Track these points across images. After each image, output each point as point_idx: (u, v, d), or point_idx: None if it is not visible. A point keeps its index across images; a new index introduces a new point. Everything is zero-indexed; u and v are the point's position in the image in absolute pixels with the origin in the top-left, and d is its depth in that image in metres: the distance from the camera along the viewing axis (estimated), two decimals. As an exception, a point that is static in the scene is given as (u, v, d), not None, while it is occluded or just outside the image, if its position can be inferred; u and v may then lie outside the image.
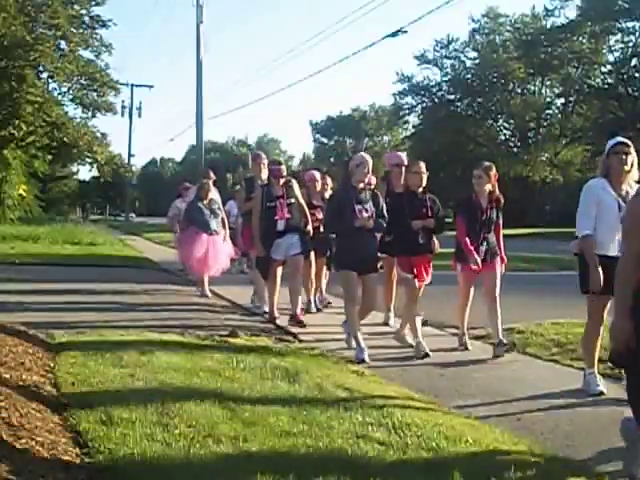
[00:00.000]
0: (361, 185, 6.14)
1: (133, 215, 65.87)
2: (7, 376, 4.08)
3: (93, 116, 32.86)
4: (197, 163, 35.35)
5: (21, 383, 4.07)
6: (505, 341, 6.10)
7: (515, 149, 49.47)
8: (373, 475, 3.06)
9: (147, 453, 3.14)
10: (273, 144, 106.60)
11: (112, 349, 5.32)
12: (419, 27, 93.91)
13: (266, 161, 8.25)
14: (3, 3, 25.37)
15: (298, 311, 7.38)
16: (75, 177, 59.85)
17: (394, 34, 20.06)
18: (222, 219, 9.84)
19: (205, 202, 9.72)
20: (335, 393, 4.40)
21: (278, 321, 7.40)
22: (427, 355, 5.90)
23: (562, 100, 49.16)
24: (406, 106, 53.67)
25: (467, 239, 6.08)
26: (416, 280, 6.24)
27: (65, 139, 30.03)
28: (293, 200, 7.50)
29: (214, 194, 10.25)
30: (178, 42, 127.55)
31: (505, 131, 52.95)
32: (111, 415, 3.65)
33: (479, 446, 3.52)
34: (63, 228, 23.13)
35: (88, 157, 33.15)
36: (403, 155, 7.79)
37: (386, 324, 7.51)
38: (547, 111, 49.55)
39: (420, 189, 6.33)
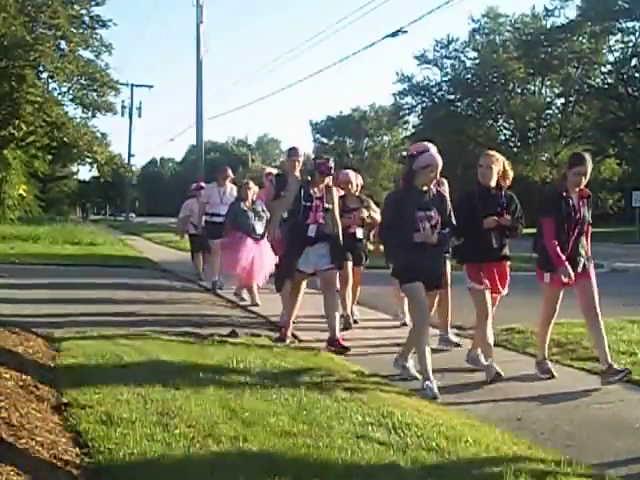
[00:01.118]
0: (425, 188, 5.18)
1: (133, 215, 65.89)
2: (7, 376, 4.07)
3: (93, 116, 32.88)
4: (197, 163, 35.45)
5: (21, 383, 4.07)
6: (617, 367, 5.06)
7: (515, 149, 49.42)
8: (373, 475, 3.06)
9: (147, 453, 3.14)
10: (273, 144, 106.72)
11: (112, 349, 5.32)
12: (419, 27, 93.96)
13: (302, 158, 7.60)
14: (3, 3, 25.36)
15: (338, 334, 6.36)
16: (75, 177, 59.86)
17: (394, 34, 20.04)
18: (266, 221, 8.77)
19: (248, 203, 8.94)
20: (335, 393, 4.40)
21: (288, 340, 6.47)
22: (499, 376, 5.12)
23: (562, 100, 49.15)
24: (406, 106, 53.67)
25: (556, 243, 5.12)
26: (488, 292, 5.38)
27: (65, 139, 30.04)
28: (330, 206, 6.56)
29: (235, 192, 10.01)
30: (178, 42, 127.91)
31: (505, 131, 52.95)
32: (111, 415, 3.65)
33: (479, 446, 3.52)
34: (63, 228, 23.14)
35: (88, 157, 33.14)
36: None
37: (457, 345, 6.61)
38: (547, 111, 49.54)
39: (493, 184, 5.48)
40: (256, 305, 8.80)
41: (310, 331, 7.04)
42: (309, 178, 6.67)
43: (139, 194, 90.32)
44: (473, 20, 50.99)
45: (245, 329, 6.95)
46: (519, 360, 5.95)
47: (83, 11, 30.26)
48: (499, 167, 5.52)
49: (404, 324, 7.34)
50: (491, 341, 5.45)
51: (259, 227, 8.76)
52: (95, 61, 31.50)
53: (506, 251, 5.50)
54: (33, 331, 5.96)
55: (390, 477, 3.06)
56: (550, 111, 49.82)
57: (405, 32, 19.78)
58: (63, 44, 29.59)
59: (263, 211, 8.73)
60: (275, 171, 9.37)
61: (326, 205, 6.51)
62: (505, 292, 5.53)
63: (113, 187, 58.70)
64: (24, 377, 4.22)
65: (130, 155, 51.83)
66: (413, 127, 56.22)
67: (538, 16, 47.50)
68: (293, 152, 7.64)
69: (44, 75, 30.60)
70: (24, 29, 26.33)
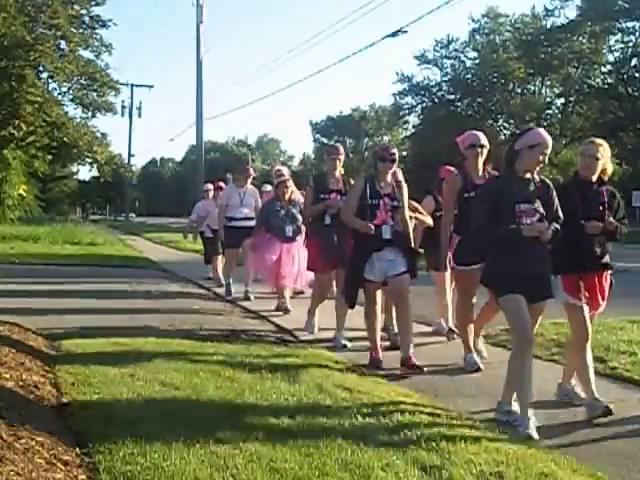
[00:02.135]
0: (528, 175, 4.29)
1: (133, 215, 65.91)
2: (7, 376, 4.08)
3: (93, 116, 32.94)
4: (197, 163, 35.48)
5: (21, 383, 4.07)
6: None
7: (515, 149, 49.33)
8: (373, 475, 3.06)
9: (147, 453, 3.14)
10: (273, 144, 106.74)
11: (112, 349, 5.32)
12: (419, 27, 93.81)
13: (343, 156, 6.86)
14: (3, 3, 25.38)
15: (411, 351, 5.51)
16: (75, 177, 59.88)
17: (394, 34, 20.07)
18: (301, 223, 8.10)
19: (283, 203, 8.23)
20: (335, 393, 4.40)
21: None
22: (609, 411, 4.24)
23: (562, 100, 49.13)
24: (406, 106, 53.67)
25: None
26: (587, 308, 4.48)
27: (65, 139, 30.07)
28: (399, 203, 5.74)
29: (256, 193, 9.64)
30: (178, 42, 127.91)
31: (505, 131, 52.92)
32: (111, 415, 3.65)
33: (479, 446, 3.52)
34: (63, 228, 23.17)
35: (88, 157, 33.19)
36: (481, 134, 5.84)
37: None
38: (547, 111, 49.52)
39: (594, 177, 4.53)
40: (286, 311, 8.16)
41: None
42: (373, 172, 5.79)
43: (139, 194, 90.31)
44: (473, 20, 51.03)
45: (245, 329, 6.95)
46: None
47: (83, 11, 30.29)
48: (605, 159, 4.56)
49: (452, 336, 6.64)
50: (591, 372, 4.46)
51: (289, 229, 8.11)
52: (95, 61, 31.57)
53: (607, 258, 4.59)
54: (33, 331, 5.97)
55: (390, 477, 3.06)
56: (550, 111, 49.81)
57: (405, 32, 19.83)
58: (63, 44, 29.63)
59: (301, 213, 7.93)
60: (285, 169, 9.20)
61: (395, 203, 5.69)
62: (602, 308, 4.66)
63: (113, 187, 58.73)
64: (24, 377, 4.22)
65: (130, 155, 51.91)
66: (413, 127, 56.24)
67: (538, 16, 47.49)
68: (333, 150, 6.92)
69: (44, 75, 30.66)
70: (24, 29, 26.35)
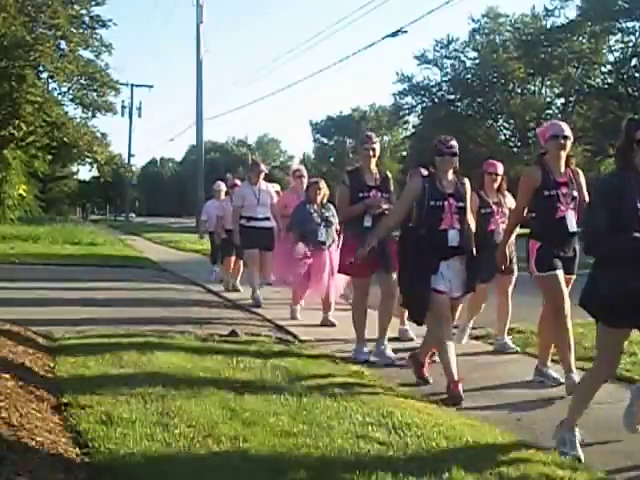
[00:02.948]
0: None
1: (133, 215, 65.91)
2: (7, 376, 4.07)
3: (93, 116, 32.92)
4: (197, 163, 35.51)
5: (21, 383, 4.07)
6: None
7: (515, 149, 49.42)
8: (373, 475, 3.06)
9: (147, 453, 3.14)
10: (273, 144, 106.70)
11: (112, 349, 5.32)
12: (419, 27, 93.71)
13: (377, 146, 5.98)
14: (3, 3, 25.38)
15: (456, 376, 4.71)
16: (75, 177, 59.89)
17: (394, 34, 20.08)
18: (336, 228, 7.46)
19: (316, 206, 7.56)
20: (335, 393, 4.40)
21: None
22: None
23: (562, 100, 49.12)
24: (406, 106, 53.64)
25: None
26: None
27: (65, 139, 30.07)
28: (465, 204, 4.99)
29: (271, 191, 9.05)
30: (178, 42, 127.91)
31: (505, 131, 52.91)
32: (111, 415, 3.65)
33: (479, 446, 3.52)
34: (63, 228, 23.18)
35: (88, 157, 33.19)
36: (564, 124, 5.11)
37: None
38: (547, 111, 49.49)
39: None
40: (295, 318, 7.67)
41: (307, 326, 7.04)
42: (432, 169, 5.05)
43: (139, 194, 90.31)
44: (473, 20, 50.99)
45: (245, 329, 6.95)
46: (519, 360, 5.95)
47: (83, 11, 30.30)
48: None
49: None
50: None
51: (323, 234, 7.42)
52: (95, 61, 31.56)
53: None
54: (33, 331, 5.97)
55: (390, 477, 3.06)
56: (550, 111, 49.77)
57: (405, 32, 19.83)
58: (63, 44, 29.63)
59: (334, 216, 7.41)
60: (302, 168, 8.97)
61: (461, 203, 4.93)
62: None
63: (113, 187, 58.74)
64: (24, 377, 4.22)
65: (130, 155, 51.93)
66: (413, 127, 56.20)
67: (538, 16, 47.47)
68: (366, 139, 6.03)
69: (44, 75, 30.65)
70: (24, 29, 26.35)
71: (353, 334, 6.59)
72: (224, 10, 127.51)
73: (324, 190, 7.68)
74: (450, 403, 4.50)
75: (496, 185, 6.30)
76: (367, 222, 5.78)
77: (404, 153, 57.11)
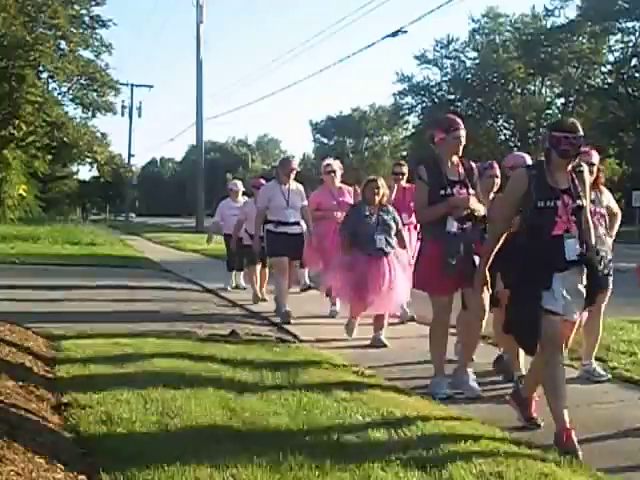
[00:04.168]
0: None
1: (133, 215, 65.90)
2: (7, 376, 4.07)
3: (93, 116, 33.03)
4: (197, 163, 35.52)
5: (21, 383, 4.07)
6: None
7: (515, 149, 49.41)
8: (373, 475, 3.06)
9: (147, 453, 3.14)
10: (273, 144, 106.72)
11: (112, 349, 5.32)
12: (419, 27, 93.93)
13: (464, 132, 4.87)
14: (3, 3, 25.42)
15: (567, 422, 3.77)
16: (75, 177, 59.80)
17: (394, 34, 20.10)
18: (399, 233, 6.61)
19: (373, 208, 6.54)
20: (335, 393, 4.40)
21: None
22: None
23: (562, 100, 49.16)
24: (406, 106, 53.69)
25: None
26: None
27: (65, 139, 30.12)
28: (582, 202, 3.94)
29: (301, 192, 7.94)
30: (178, 42, 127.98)
31: (505, 131, 52.94)
32: (111, 415, 3.65)
33: (479, 446, 3.52)
34: (63, 228, 23.17)
35: (88, 157, 33.25)
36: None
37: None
38: (547, 111, 49.53)
39: None
40: (384, 346, 6.40)
41: (307, 326, 7.04)
42: (544, 160, 3.97)
43: (139, 194, 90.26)
44: (473, 20, 51.03)
45: (245, 329, 6.94)
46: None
47: (83, 11, 30.38)
48: None
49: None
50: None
51: (380, 240, 6.41)
52: (95, 61, 31.63)
53: None
54: (33, 331, 5.96)
55: (390, 477, 3.06)
56: (550, 111, 49.80)
57: (405, 32, 19.85)
58: (63, 44, 29.70)
59: (393, 220, 6.53)
60: (337, 163, 8.22)
61: (580, 202, 3.91)
62: None
63: (113, 187, 58.66)
64: (24, 377, 4.22)
65: (130, 155, 51.99)
66: (413, 127, 56.25)
67: (538, 16, 47.51)
68: (455, 124, 4.84)
69: (44, 75, 30.73)
70: (24, 29, 26.40)
71: (354, 334, 6.58)
72: (224, 10, 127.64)
73: (383, 189, 6.59)
74: (562, 454, 3.57)
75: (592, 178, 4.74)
76: (451, 226, 4.71)
77: (404, 153, 57.06)
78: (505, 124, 52.41)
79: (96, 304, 8.36)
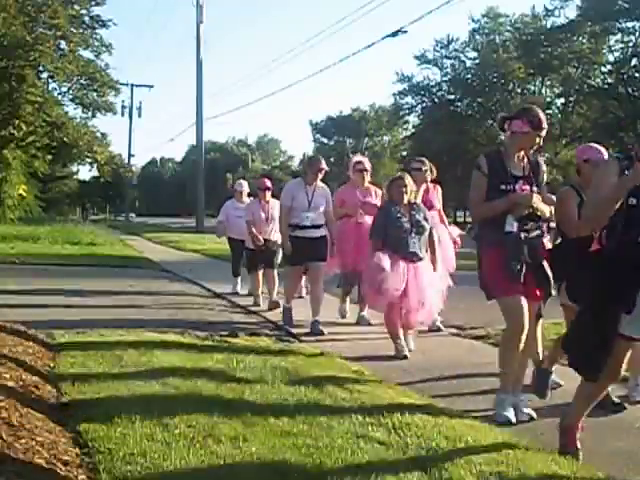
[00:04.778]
0: None
1: (133, 215, 65.92)
2: (7, 376, 4.07)
3: (93, 116, 33.04)
4: (197, 163, 35.52)
5: (21, 383, 4.07)
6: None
7: (515, 149, 49.41)
8: (373, 475, 3.06)
9: (147, 453, 3.14)
10: (273, 144, 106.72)
11: (112, 349, 5.32)
12: (419, 27, 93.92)
13: (545, 126, 4.31)
14: (3, 3, 25.43)
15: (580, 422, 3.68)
16: (75, 177, 59.88)
17: (394, 34, 20.12)
18: (432, 236, 6.17)
19: (404, 207, 6.06)
20: (335, 393, 4.40)
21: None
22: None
23: (562, 100, 49.15)
24: (406, 106, 53.70)
25: None
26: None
27: (65, 139, 30.12)
28: None
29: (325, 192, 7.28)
30: (178, 42, 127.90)
31: (505, 131, 52.89)
32: (111, 415, 3.64)
33: (479, 446, 3.52)
34: (63, 228, 23.16)
35: (88, 157, 33.25)
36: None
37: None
38: (547, 111, 49.48)
39: None
40: (403, 357, 5.92)
41: (307, 326, 7.04)
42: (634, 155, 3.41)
43: (139, 194, 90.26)
44: (473, 20, 51.03)
45: (245, 329, 6.94)
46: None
47: (83, 11, 30.39)
48: None
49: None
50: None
51: (415, 243, 5.93)
52: (95, 61, 31.64)
53: None
54: (33, 331, 5.96)
55: (390, 477, 3.06)
56: (550, 111, 49.78)
57: (405, 32, 19.87)
58: (63, 44, 29.71)
59: (425, 219, 6.07)
60: (365, 159, 7.83)
61: None
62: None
63: (113, 187, 58.73)
64: (24, 377, 4.22)
65: (130, 155, 52.03)
66: (413, 127, 56.29)
67: (538, 16, 47.50)
68: (542, 121, 4.29)
69: (44, 75, 30.73)
70: (24, 29, 26.41)
71: (355, 335, 6.56)
72: (224, 10, 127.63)
73: (411, 186, 6.10)
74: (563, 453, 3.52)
75: None
76: (510, 226, 4.21)
77: (404, 153, 57.07)
78: (505, 124, 52.36)
79: (96, 304, 8.36)
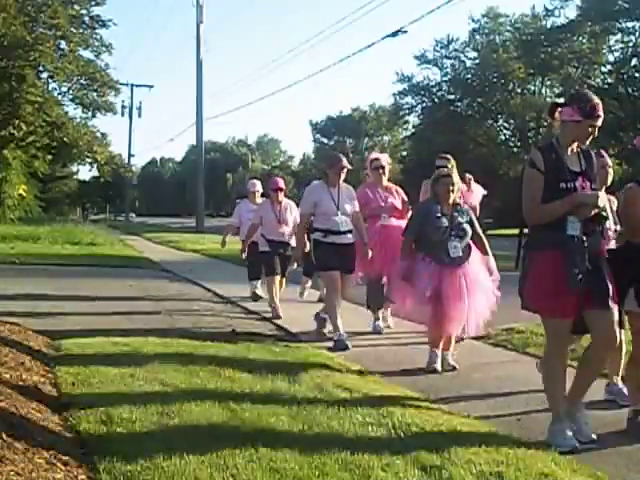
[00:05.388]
0: None
1: (133, 215, 65.93)
2: (7, 376, 4.08)
3: (93, 116, 33.00)
4: (197, 163, 35.53)
5: (21, 383, 4.07)
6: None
7: (515, 149, 49.45)
8: (373, 475, 3.07)
9: (147, 453, 3.14)
10: (273, 144, 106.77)
11: (112, 349, 5.32)
12: (419, 27, 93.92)
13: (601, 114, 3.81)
14: (3, 3, 25.41)
15: None
16: (75, 177, 59.84)
17: (394, 34, 20.11)
18: (479, 237, 5.62)
19: (446, 208, 5.49)
20: (335, 393, 4.40)
21: None
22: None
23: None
24: (406, 106, 53.66)
25: None
26: None
27: (65, 139, 30.09)
28: None
29: (349, 193, 6.63)
30: (178, 42, 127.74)
31: (505, 131, 52.93)
32: (111, 415, 3.65)
33: (479, 446, 3.52)
34: (63, 228, 23.14)
35: (88, 157, 33.21)
36: None
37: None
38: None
39: None
40: (435, 371, 5.43)
41: (307, 326, 7.04)
42: None
43: (139, 194, 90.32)
44: (473, 20, 50.99)
45: (245, 329, 6.94)
46: (519, 360, 5.94)
47: (83, 11, 30.37)
48: None
49: None
50: None
51: (457, 247, 5.37)
52: (95, 61, 31.62)
53: None
54: (33, 331, 5.96)
55: (390, 477, 3.06)
56: (550, 111, 49.74)
57: (405, 32, 19.85)
58: (63, 44, 29.69)
59: (469, 222, 5.53)
60: (383, 156, 7.30)
61: None
62: None
63: (113, 187, 58.71)
64: (24, 377, 4.22)
65: (130, 155, 52.06)
66: (413, 127, 56.23)
67: (538, 16, 47.50)
68: (598, 108, 3.76)
69: (44, 75, 30.70)
70: (24, 29, 26.39)
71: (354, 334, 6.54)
72: (224, 10, 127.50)
73: (458, 185, 5.62)
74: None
75: None
76: (573, 229, 3.69)
77: (404, 153, 57.07)
78: (505, 124, 52.39)
79: (96, 304, 8.36)
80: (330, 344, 6.32)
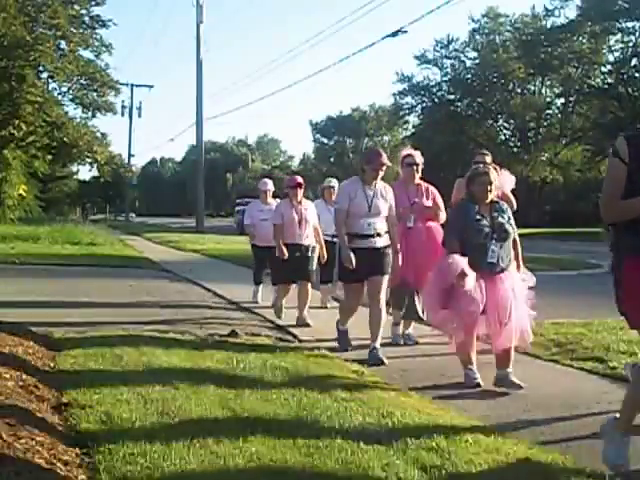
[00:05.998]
0: None
1: (133, 215, 65.95)
2: (7, 376, 4.07)
3: (93, 116, 33.06)
4: (197, 163, 35.55)
5: (21, 383, 4.07)
6: None
7: (515, 149, 49.47)
8: (373, 475, 3.06)
9: (147, 453, 3.14)
10: (273, 144, 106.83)
11: (112, 349, 5.32)
12: (419, 27, 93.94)
13: None
14: (3, 3, 25.43)
15: None
16: (75, 177, 59.85)
17: (394, 34, 20.14)
18: (515, 243, 5.10)
19: (484, 208, 5.00)
20: (335, 393, 4.40)
21: None
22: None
23: (562, 100, 49.18)
24: (406, 106, 53.72)
25: None
26: None
27: (65, 139, 30.12)
28: None
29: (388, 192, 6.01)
30: (178, 42, 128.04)
31: (505, 131, 52.98)
32: (111, 415, 3.65)
33: (479, 446, 3.52)
34: (63, 228, 23.14)
35: (88, 157, 33.25)
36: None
37: None
38: (547, 111, 49.56)
39: None
40: (476, 385, 5.00)
41: (307, 326, 7.04)
42: None
43: (139, 194, 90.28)
44: (473, 20, 51.07)
45: (245, 329, 6.94)
46: (519, 360, 5.93)
47: (83, 11, 30.40)
48: None
49: None
50: None
51: (495, 251, 4.87)
52: (95, 61, 31.65)
53: None
54: (33, 331, 5.96)
55: (390, 477, 3.06)
56: (550, 111, 49.84)
57: (405, 32, 19.89)
58: (63, 44, 29.72)
59: (510, 223, 5.05)
60: (416, 153, 6.69)
61: None
62: None
63: (113, 187, 58.73)
64: (24, 377, 4.22)
65: (130, 155, 52.12)
66: (413, 127, 56.32)
67: (538, 16, 47.56)
68: None
69: (44, 75, 30.74)
70: (24, 29, 26.40)
71: (354, 335, 6.54)
72: (224, 10, 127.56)
73: (496, 183, 5.10)
74: None
75: None
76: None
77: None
78: (505, 124, 52.44)
79: (96, 304, 8.36)
80: (330, 344, 6.32)
